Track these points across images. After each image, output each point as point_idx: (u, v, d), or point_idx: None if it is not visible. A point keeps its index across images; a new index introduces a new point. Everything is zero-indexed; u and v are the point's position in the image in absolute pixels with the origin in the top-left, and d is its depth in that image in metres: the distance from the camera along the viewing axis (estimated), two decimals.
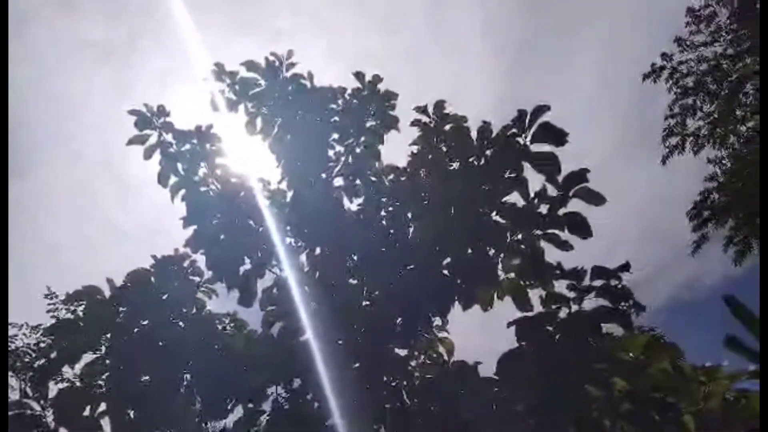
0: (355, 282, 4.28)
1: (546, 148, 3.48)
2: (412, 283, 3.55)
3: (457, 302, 3.42)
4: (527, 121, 3.44)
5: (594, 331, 2.56)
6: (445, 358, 4.11)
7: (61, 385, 3.00)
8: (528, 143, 3.45)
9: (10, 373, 15.09)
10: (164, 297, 3.68)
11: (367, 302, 4.07)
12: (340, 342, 3.73)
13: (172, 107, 4.37)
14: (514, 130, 3.57)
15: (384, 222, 4.53)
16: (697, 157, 15.45)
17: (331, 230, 4.32)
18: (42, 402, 2.87)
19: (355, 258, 4.30)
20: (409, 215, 4.13)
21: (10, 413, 2.87)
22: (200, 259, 4.20)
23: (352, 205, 4.75)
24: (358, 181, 4.72)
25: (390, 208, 4.61)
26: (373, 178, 4.75)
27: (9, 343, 15.09)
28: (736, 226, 13.85)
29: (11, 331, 15.43)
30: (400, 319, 3.79)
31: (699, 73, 14.83)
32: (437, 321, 3.97)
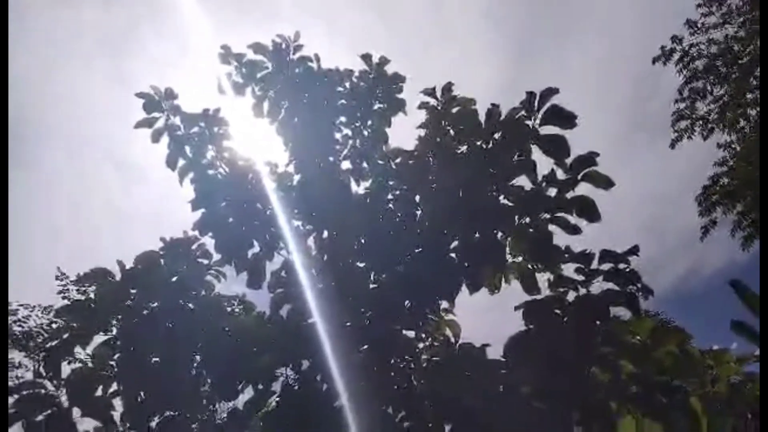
0: (362, 265, 4.30)
1: (555, 130, 3.48)
2: (419, 266, 3.55)
3: (464, 286, 3.42)
4: (536, 103, 3.43)
5: (602, 313, 2.57)
6: (452, 340, 4.15)
7: (74, 366, 3.03)
8: (537, 126, 3.44)
9: (23, 354, 15.36)
10: (174, 279, 3.69)
11: (374, 285, 4.09)
12: (348, 324, 3.76)
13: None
14: (522, 112, 3.56)
15: (391, 205, 4.54)
16: (697, 146, 15.33)
17: (338, 213, 4.33)
18: (55, 382, 2.90)
19: (363, 241, 4.30)
20: (417, 198, 4.14)
21: (24, 393, 2.92)
22: (208, 242, 4.24)
23: (359, 188, 4.77)
24: (365, 164, 4.72)
25: (396, 192, 4.62)
26: (380, 161, 4.75)
27: (22, 325, 15.35)
28: (745, 210, 13.78)
29: (23, 313, 15.69)
30: (407, 301, 3.81)
31: (710, 56, 14.67)
32: (444, 304, 3.99)
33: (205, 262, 4.10)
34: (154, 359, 3.35)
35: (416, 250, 3.78)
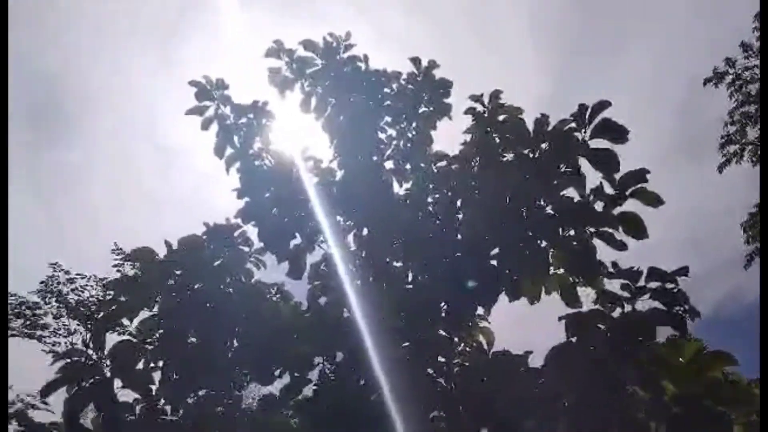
0: (399, 265, 4.31)
1: (605, 144, 3.44)
2: (459, 270, 3.54)
3: (504, 293, 3.40)
4: (587, 115, 3.39)
5: (648, 332, 2.52)
6: (485, 347, 4.11)
7: (119, 338, 3.12)
8: (587, 139, 3.40)
9: (76, 322, 15.92)
10: (216, 263, 3.76)
11: (411, 285, 4.10)
12: (384, 320, 3.76)
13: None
14: (572, 124, 3.52)
15: (431, 208, 4.55)
16: (744, 171, 14.91)
17: (380, 212, 4.34)
18: (99, 353, 2.98)
19: (401, 241, 4.31)
20: (458, 203, 4.13)
21: (69, 360, 3.01)
22: (250, 231, 4.30)
23: (401, 189, 4.78)
24: (408, 166, 4.73)
25: (437, 195, 4.62)
26: (422, 164, 4.76)
27: (79, 294, 15.95)
28: None
29: (80, 282, 16.30)
30: (444, 304, 3.80)
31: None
32: (480, 310, 3.96)
33: (246, 249, 4.18)
34: (193, 339, 3.43)
35: (456, 254, 3.77)
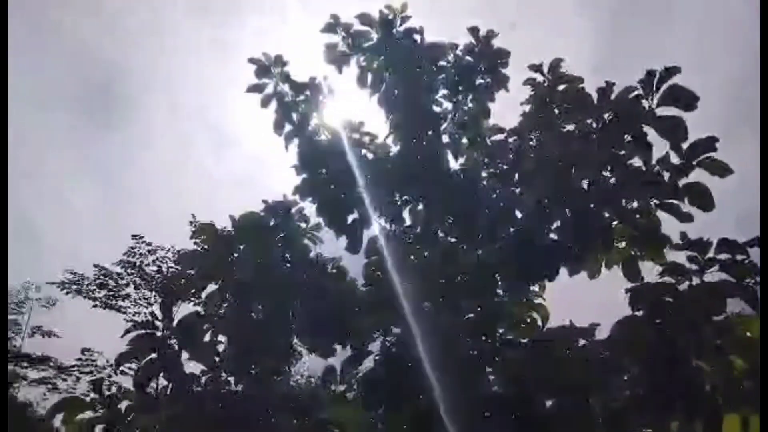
0: (454, 240, 4.31)
1: (673, 112, 3.31)
2: (517, 244, 3.51)
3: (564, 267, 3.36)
4: (655, 82, 3.27)
5: (718, 305, 2.45)
6: (539, 324, 4.08)
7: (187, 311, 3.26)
8: (653, 106, 3.28)
9: (154, 294, 16.84)
10: (277, 238, 3.87)
11: (467, 261, 4.10)
12: (442, 297, 3.79)
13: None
14: (638, 92, 3.40)
15: (485, 182, 4.51)
16: None
17: (435, 187, 4.34)
18: (168, 324, 3.13)
19: (457, 216, 4.30)
20: (516, 176, 4.08)
21: (140, 332, 3.18)
22: (307, 207, 4.39)
23: (456, 163, 4.75)
24: (464, 140, 4.69)
25: (491, 169, 4.58)
26: (479, 138, 4.70)
27: (159, 265, 16.82)
28: None
29: (160, 254, 17.16)
30: (500, 281, 3.79)
31: None
32: (535, 287, 3.92)
33: (303, 225, 4.27)
34: (254, 313, 3.56)
35: (513, 229, 3.74)
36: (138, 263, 17.17)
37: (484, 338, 3.19)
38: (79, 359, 17.10)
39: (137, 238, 17.39)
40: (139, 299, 17.25)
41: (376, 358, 3.19)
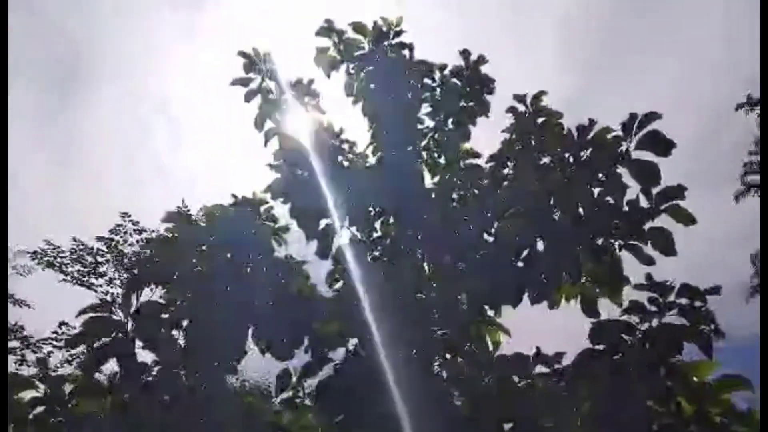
0: (421, 256, 4.34)
1: (648, 156, 3.42)
2: (484, 267, 3.56)
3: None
4: (635, 126, 3.38)
5: (676, 347, 2.53)
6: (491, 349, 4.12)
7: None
8: (631, 149, 3.39)
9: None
10: (244, 235, 3.82)
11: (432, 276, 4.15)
12: (400, 309, 3.79)
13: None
14: (617, 133, 3.51)
15: (456, 204, 4.57)
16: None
17: (409, 202, 4.37)
18: (126, 310, 3.04)
19: (427, 232, 4.34)
20: (490, 202, 4.15)
21: (95, 315, 3.07)
22: (277, 207, 4.35)
23: (431, 182, 4.80)
24: (442, 159, 4.75)
25: (462, 192, 4.65)
26: (456, 159, 4.77)
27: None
28: None
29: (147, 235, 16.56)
30: (462, 300, 3.83)
31: None
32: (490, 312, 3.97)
33: (271, 225, 4.22)
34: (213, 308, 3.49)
35: (483, 252, 3.79)
36: (118, 242, 16.59)
37: (450, 356, 3.20)
38: (55, 332, 16.12)
39: (125, 215, 16.84)
40: (114, 279, 16.63)
41: (337, 366, 3.17)
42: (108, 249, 16.57)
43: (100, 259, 16.53)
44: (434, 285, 4.12)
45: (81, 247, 16.45)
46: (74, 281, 16.44)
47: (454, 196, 4.65)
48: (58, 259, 16.39)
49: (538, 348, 2.81)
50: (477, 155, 4.71)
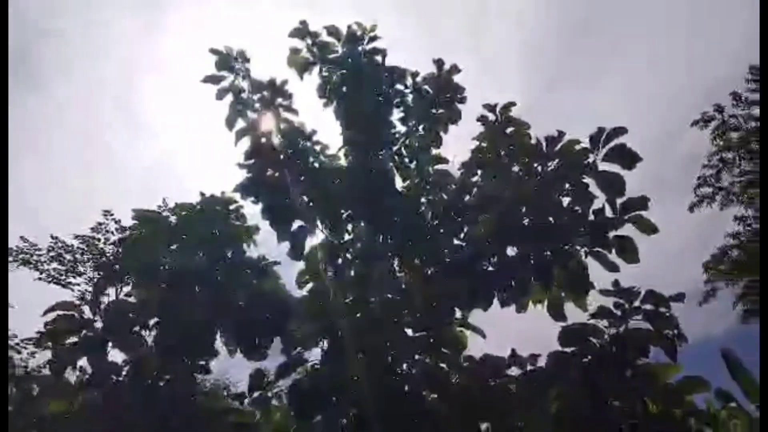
0: (392, 260, 4.38)
1: (614, 168, 3.56)
2: (455, 271, 3.62)
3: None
4: (602, 139, 3.51)
5: (642, 351, 2.64)
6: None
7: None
8: (598, 161, 3.53)
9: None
10: (214, 234, 3.77)
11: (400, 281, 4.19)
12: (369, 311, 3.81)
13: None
14: (584, 145, 3.64)
15: (423, 207, 4.64)
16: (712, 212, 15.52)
17: (380, 205, 4.39)
18: (96, 308, 2.96)
19: (397, 236, 4.37)
20: (459, 207, 4.23)
21: (61, 312, 2.99)
22: (247, 206, 4.30)
23: (401, 186, 4.84)
24: (413, 164, 4.80)
25: (431, 196, 4.72)
26: (427, 165, 4.83)
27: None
28: (750, 285, 13.86)
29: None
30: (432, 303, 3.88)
31: (746, 131, 14.79)
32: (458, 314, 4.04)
33: (238, 224, 4.17)
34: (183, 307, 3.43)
35: (454, 255, 3.86)
36: (97, 240, 15.94)
37: (423, 357, 3.24)
38: (40, 332, 15.27)
39: (107, 214, 16.21)
40: (94, 278, 15.91)
41: (314, 366, 3.16)
42: (88, 247, 15.98)
43: (79, 257, 15.94)
44: (404, 287, 4.17)
45: (59, 245, 15.86)
46: (51, 280, 15.79)
47: (423, 200, 4.72)
48: (34, 257, 15.75)
49: (513, 350, 2.89)
50: (445, 161, 4.80)
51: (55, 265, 15.85)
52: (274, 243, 4.27)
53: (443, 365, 3.16)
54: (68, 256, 15.90)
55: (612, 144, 3.48)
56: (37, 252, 15.80)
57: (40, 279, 15.74)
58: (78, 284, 15.88)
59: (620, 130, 3.46)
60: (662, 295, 2.80)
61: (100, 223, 16.17)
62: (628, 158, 3.43)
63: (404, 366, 3.19)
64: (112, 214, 16.30)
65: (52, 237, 15.86)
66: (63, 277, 15.73)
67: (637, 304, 2.86)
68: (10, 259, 15.50)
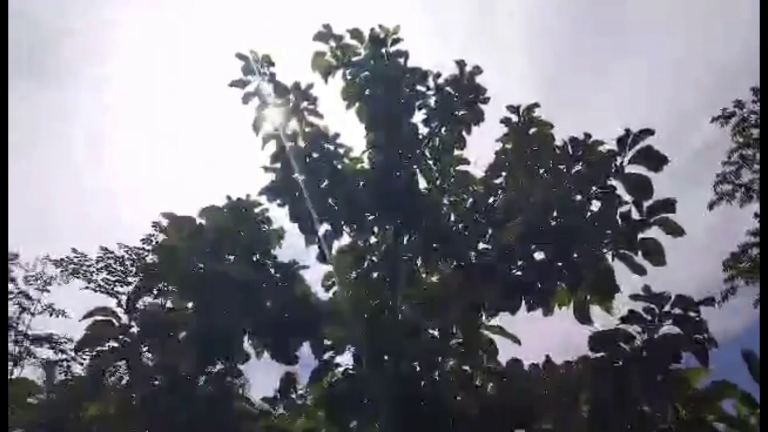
0: (417, 258, 4.42)
1: (641, 170, 3.56)
2: (483, 274, 3.64)
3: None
4: (629, 141, 3.51)
5: (674, 357, 2.65)
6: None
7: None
8: (625, 163, 3.53)
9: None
10: (243, 238, 3.83)
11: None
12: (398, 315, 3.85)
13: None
14: (611, 147, 3.64)
15: (445, 209, 4.67)
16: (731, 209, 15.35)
17: (405, 208, 4.43)
18: (131, 315, 3.03)
19: (423, 239, 4.41)
20: (484, 208, 4.25)
21: (100, 319, 3.05)
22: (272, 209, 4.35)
23: (425, 186, 4.86)
24: (436, 166, 4.82)
25: (454, 197, 4.75)
26: (450, 166, 4.85)
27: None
28: None
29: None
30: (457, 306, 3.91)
31: None
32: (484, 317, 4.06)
33: (269, 228, 4.22)
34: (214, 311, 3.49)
35: (477, 259, 3.88)
36: (146, 252, 16.20)
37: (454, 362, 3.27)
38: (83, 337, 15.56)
39: (156, 225, 16.46)
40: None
41: (348, 370, 3.21)
42: (138, 258, 16.27)
43: (130, 268, 16.28)
44: (426, 289, 4.21)
45: (108, 255, 16.23)
46: (99, 289, 16.13)
47: (445, 201, 4.75)
48: (83, 268, 16.13)
49: (547, 356, 2.91)
50: (466, 161, 4.83)
51: (104, 275, 16.18)
52: (296, 245, 4.36)
53: (474, 369, 3.18)
54: (118, 267, 16.23)
55: (639, 146, 3.48)
56: (86, 263, 16.15)
57: (87, 288, 16.07)
58: (125, 293, 16.14)
59: (647, 132, 3.46)
60: (692, 299, 2.80)
61: (150, 235, 16.40)
62: (656, 160, 3.42)
63: (434, 371, 3.22)
64: (158, 225, 16.50)
65: (101, 248, 16.20)
66: (111, 287, 16.04)
67: (666, 308, 2.86)
68: (63, 269, 15.89)
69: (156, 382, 2.93)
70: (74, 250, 16.17)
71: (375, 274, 4.25)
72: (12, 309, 15.21)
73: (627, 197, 3.52)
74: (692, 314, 2.84)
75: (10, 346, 14.79)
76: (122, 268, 16.34)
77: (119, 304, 2.97)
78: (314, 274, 4.32)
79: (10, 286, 15.58)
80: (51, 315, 16.14)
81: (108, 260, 16.28)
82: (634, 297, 3.02)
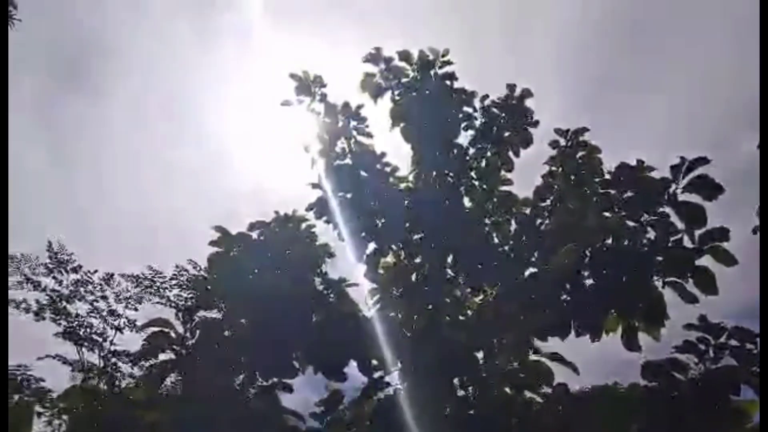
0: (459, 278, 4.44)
1: (695, 199, 3.52)
2: (532, 301, 3.63)
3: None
4: (684, 169, 3.49)
5: (731, 389, 2.61)
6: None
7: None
8: (679, 191, 3.50)
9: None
10: (294, 255, 3.90)
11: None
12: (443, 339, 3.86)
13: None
14: (665, 175, 3.62)
15: (487, 228, 4.69)
16: None
17: (449, 228, 4.46)
18: (189, 325, 3.13)
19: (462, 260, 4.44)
20: (531, 232, 4.26)
21: (157, 330, 3.16)
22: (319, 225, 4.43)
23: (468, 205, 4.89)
24: (483, 186, 4.84)
25: (495, 218, 4.76)
26: (496, 187, 4.87)
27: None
28: None
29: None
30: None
31: None
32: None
33: (317, 244, 4.30)
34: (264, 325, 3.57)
35: (526, 284, 3.88)
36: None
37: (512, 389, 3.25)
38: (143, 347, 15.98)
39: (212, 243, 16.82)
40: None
41: (397, 389, 3.25)
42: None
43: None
44: (470, 313, 4.22)
45: (182, 272, 16.67)
46: (169, 304, 16.59)
47: (487, 221, 4.77)
48: (156, 284, 16.64)
49: (612, 384, 2.89)
50: (510, 182, 4.85)
51: (176, 291, 16.58)
52: (339, 262, 4.42)
53: (528, 394, 3.18)
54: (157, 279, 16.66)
55: (693, 174, 3.45)
56: (160, 278, 16.61)
57: (159, 303, 16.51)
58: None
59: (702, 160, 3.43)
60: (750, 331, 2.75)
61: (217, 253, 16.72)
62: (710, 189, 3.39)
63: (485, 394, 3.23)
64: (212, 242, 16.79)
65: (176, 266, 16.64)
66: (184, 302, 16.40)
67: (722, 339, 2.82)
68: (136, 285, 16.32)
69: (210, 394, 3.01)
70: (150, 267, 16.58)
71: (420, 294, 4.28)
72: (100, 325, 15.57)
73: (679, 224, 3.50)
74: (750, 346, 2.80)
75: (99, 362, 15.16)
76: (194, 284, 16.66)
77: (177, 317, 3.07)
78: (357, 293, 4.41)
79: (102, 305, 15.99)
80: (131, 330, 16.50)
81: (181, 277, 16.62)
82: (689, 326, 2.98)
